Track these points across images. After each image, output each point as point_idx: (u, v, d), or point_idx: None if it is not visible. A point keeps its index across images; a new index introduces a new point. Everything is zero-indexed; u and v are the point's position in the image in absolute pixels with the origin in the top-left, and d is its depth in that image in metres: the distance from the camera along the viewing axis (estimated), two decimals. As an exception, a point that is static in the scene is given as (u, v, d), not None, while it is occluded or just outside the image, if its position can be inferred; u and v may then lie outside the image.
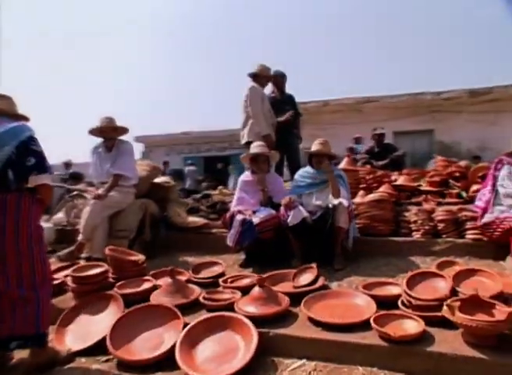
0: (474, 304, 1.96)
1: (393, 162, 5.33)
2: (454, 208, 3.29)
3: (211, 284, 2.97)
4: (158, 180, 4.34)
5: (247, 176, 3.71)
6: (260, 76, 4.69)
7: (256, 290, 2.44)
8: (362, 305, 2.32)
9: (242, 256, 3.48)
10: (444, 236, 3.20)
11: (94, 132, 3.86)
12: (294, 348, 2.12)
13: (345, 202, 3.15)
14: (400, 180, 3.98)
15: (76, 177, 7.59)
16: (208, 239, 3.90)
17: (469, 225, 3.11)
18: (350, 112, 12.64)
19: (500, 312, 1.88)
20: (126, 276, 2.96)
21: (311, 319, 2.27)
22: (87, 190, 4.32)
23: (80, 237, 3.56)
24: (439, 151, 11.87)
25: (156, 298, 2.59)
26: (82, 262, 3.39)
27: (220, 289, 2.77)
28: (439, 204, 3.55)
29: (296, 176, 3.64)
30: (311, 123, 11.39)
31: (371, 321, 2.06)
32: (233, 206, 3.59)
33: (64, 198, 4.97)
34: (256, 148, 3.61)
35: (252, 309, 2.32)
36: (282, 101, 4.97)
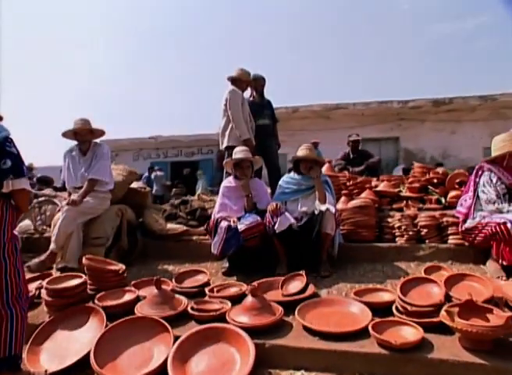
0: (469, 309, 1.98)
1: (369, 168, 5.41)
2: (436, 213, 3.36)
3: (197, 294, 2.85)
4: (133, 185, 4.17)
5: (229, 181, 3.62)
6: (240, 81, 4.63)
7: (249, 299, 2.37)
8: (357, 313, 2.30)
9: (225, 264, 3.38)
10: (427, 241, 3.26)
11: (67, 134, 3.65)
12: (292, 358, 2.06)
13: (332, 208, 3.13)
14: (381, 186, 4.04)
15: (45, 182, 7.17)
16: (188, 247, 3.77)
17: (451, 230, 3.18)
18: (318, 119, 12.84)
19: (497, 316, 1.90)
20: (106, 287, 2.79)
21: (306, 329, 2.22)
22: (57, 195, 4.08)
23: (51, 246, 3.34)
24: (404, 158, 12.29)
25: (141, 310, 2.45)
26: (55, 273, 3.18)
27: (207, 299, 2.66)
28: (420, 209, 3.63)
29: (281, 182, 3.60)
30: (281, 129, 11.37)
31: (370, 329, 2.04)
32: (216, 213, 3.49)
33: (30, 203, 4.67)
34: (239, 153, 3.54)
35: (246, 320, 2.24)
36: (262, 105, 4.92)
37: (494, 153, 2.98)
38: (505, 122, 10.21)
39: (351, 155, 5.90)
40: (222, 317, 2.33)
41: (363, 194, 3.84)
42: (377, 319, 2.15)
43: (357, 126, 12.30)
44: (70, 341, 2.32)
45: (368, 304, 2.36)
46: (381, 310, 2.33)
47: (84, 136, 3.62)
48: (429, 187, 3.93)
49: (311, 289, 2.70)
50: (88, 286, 2.80)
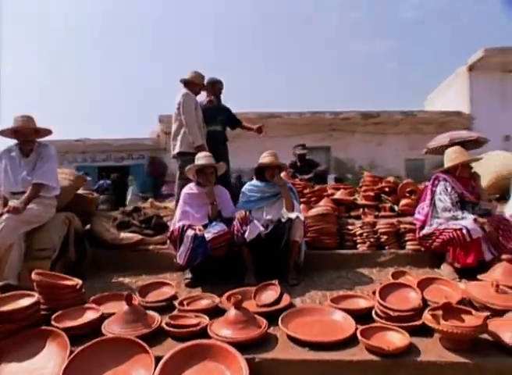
0: (447, 311, 2.09)
1: (317, 176, 5.57)
2: (394, 220, 3.54)
3: (164, 308, 2.66)
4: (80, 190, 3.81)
5: (190, 188, 3.47)
6: (193, 84, 4.48)
7: (232, 312, 2.25)
8: (340, 321, 2.30)
9: (187, 275, 3.21)
10: (387, 247, 3.41)
11: (5, 133, 3.23)
12: (284, 372, 2.01)
13: (301, 216, 3.15)
14: (338, 194, 4.16)
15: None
16: (144, 257, 3.53)
17: (408, 236, 3.37)
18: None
19: (475, 317, 2.03)
20: (62, 305, 2.47)
21: (292, 339, 2.17)
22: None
23: (-13, 261, 2.91)
24: (335, 167, 12.90)
25: (110, 330, 2.22)
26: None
27: (181, 313, 2.49)
28: (376, 217, 3.80)
29: (245, 190, 3.53)
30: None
31: (359, 336, 2.06)
32: (177, 221, 3.31)
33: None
34: (203, 158, 3.41)
35: (231, 334, 2.13)
36: (216, 111, 4.81)
37: (447, 164, 3.23)
38: (423, 136, 11.17)
39: (298, 163, 6.03)
40: (202, 332, 2.20)
41: (321, 202, 3.93)
42: (363, 326, 2.18)
43: (291, 135, 12.67)
44: (25, 373, 2.00)
45: (347, 311, 2.38)
46: (360, 316, 2.36)
47: (27, 135, 3.22)
48: (382, 195, 4.14)
49: (286, 299, 2.67)
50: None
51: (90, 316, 2.38)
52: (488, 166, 4.60)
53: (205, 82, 4.63)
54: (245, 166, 9.34)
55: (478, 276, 2.70)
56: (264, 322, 2.26)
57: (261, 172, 3.50)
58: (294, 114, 12.76)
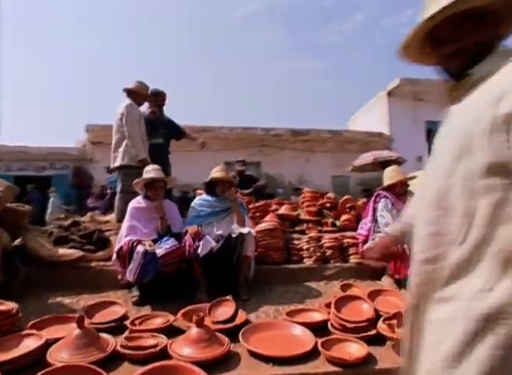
0: (399, 320, 2.25)
1: (257, 191, 5.66)
2: (337, 235, 3.72)
3: (115, 329, 2.50)
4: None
5: (138, 202, 3.32)
6: (137, 94, 4.35)
7: (194, 330, 2.19)
8: (299, 335, 2.36)
9: (135, 293, 3.04)
10: (332, 261, 3.56)
11: None
12: (251, 389, 1.98)
13: (253, 231, 3.18)
14: (283, 209, 4.26)
15: None
16: (86, 274, 3.26)
17: (352, 251, 3.56)
18: (184, 140, 12.85)
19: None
20: (-6, 334, 2.21)
21: (255, 355, 2.17)
22: None
23: None
24: (265, 182, 13.18)
25: (58, 358, 2.02)
26: None
27: (137, 334, 2.35)
28: (320, 232, 3.95)
29: (194, 205, 3.47)
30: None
31: (321, 349, 2.12)
32: (123, 236, 3.15)
33: None
34: (152, 172, 3.30)
35: (195, 353, 2.07)
36: (158, 123, 4.69)
37: (387, 182, 3.49)
38: (348, 154, 11.96)
39: (238, 179, 6.09)
40: (162, 353, 2.11)
41: (267, 218, 3.99)
42: (322, 339, 2.25)
43: (223, 150, 12.77)
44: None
45: (304, 324, 2.44)
46: (316, 329, 2.43)
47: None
48: (324, 210, 4.33)
49: (242, 315, 2.66)
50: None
51: (30, 343, 2.15)
52: (416, 185, 5.03)
53: (148, 93, 4.51)
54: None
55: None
56: (226, 339, 2.23)
57: (212, 186, 3.48)
58: (226, 129, 12.88)
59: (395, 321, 2.21)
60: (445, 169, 0.98)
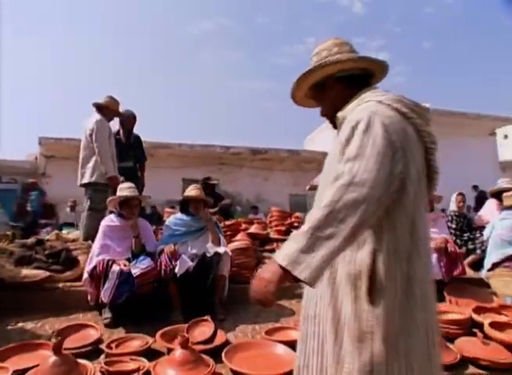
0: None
1: (222, 209, 5.69)
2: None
3: (90, 354, 2.42)
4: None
5: (111, 220, 3.25)
6: (107, 109, 4.27)
7: (179, 352, 2.17)
8: (282, 354, 2.41)
9: (107, 314, 2.94)
10: (302, 279, 3.64)
11: None
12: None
13: (229, 251, 3.21)
14: (253, 228, 4.32)
15: None
16: (52, 296, 3.11)
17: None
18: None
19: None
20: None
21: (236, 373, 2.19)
22: None
23: None
24: (230, 200, 13.19)
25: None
26: None
27: (116, 358, 2.29)
28: (289, 251, 4.03)
29: (169, 223, 3.45)
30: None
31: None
32: (95, 255, 3.06)
33: None
34: (127, 190, 3.26)
35: (181, 376, 2.05)
36: (128, 146, 4.61)
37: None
38: (305, 173, 12.34)
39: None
40: (145, 377, 2.07)
41: (238, 236, 4.04)
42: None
43: (180, 167, 12.72)
44: None
45: (284, 343, 2.50)
46: (295, 347, 2.49)
47: None
48: (292, 230, 4.43)
49: (221, 335, 2.67)
50: None
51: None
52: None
53: (120, 110, 4.45)
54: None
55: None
56: (210, 360, 2.23)
57: (186, 205, 3.48)
58: (185, 146, 12.82)
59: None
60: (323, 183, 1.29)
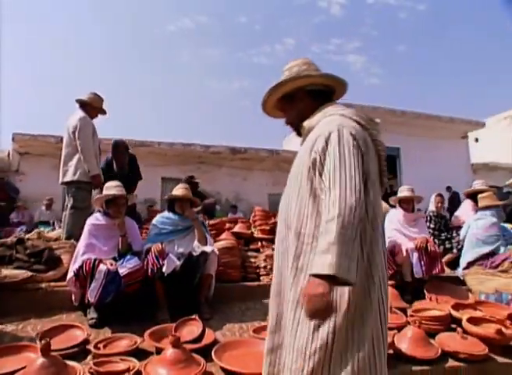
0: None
1: (206, 208, 5.67)
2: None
3: (76, 355, 2.38)
4: None
5: (97, 219, 3.20)
6: (90, 106, 4.19)
7: (170, 351, 2.17)
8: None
9: (92, 315, 2.89)
10: (288, 278, 3.70)
11: None
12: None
13: (216, 250, 3.22)
14: (237, 227, 4.34)
15: None
16: (34, 297, 3.04)
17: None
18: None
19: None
20: None
21: (231, 374, 2.21)
22: None
23: None
24: (214, 199, 13.13)
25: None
26: None
27: (105, 358, 2.26)
28: (273, 250, 4.07)
29: (155, 222, 3.42)
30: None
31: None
32: (80, 254, 3.01)
33: None
34: (114, 188, 3.22)
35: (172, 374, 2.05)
36: (122, 175, 4.41)
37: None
38: (283, 173, 12.30)
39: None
40: (136, 377, 2.07)
41: (223, 236, 4.05)
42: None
43: (160, 165, 12.57)
44: None
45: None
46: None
47: None
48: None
49: (210, 333, 2.68)
50: None
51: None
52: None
53: (104, 107, 4.37)
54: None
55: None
56: (201, 359, 2.24)
57: (173, 204, 3.47)
58: (165, 144, 12.68)
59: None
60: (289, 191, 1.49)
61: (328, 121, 1.39)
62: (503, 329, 2.66)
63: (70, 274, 2.95)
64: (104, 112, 4.39)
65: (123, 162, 4.65)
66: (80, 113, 4.06)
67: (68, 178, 3.94)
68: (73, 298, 3.02)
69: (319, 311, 1.16)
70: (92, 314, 2.92)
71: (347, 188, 1.20)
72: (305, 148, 1.42)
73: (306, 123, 1.50)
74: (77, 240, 3.78)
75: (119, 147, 4.66)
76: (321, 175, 1.31)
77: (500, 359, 2.58)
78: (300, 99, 1.55)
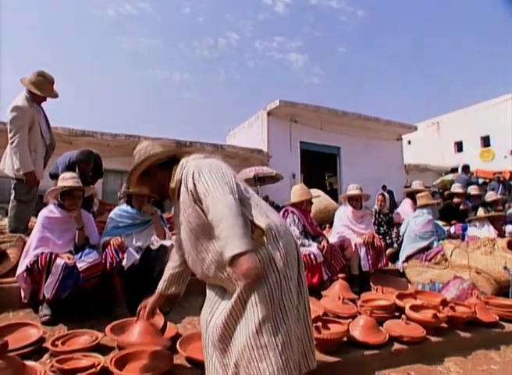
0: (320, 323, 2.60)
1: (158, 201, 5.58)
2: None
3: (31, 354, 2.28)
4: None
5: (51, 211, 3.05)
6: (38, 88, 3.67)
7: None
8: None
9: (45, 311, 2.76)
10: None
11: None
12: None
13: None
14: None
15: None
16: (-22, 294, 2.85)
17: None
18: (60, 143, 11.69)
19: (341, 325, 2.61)
20: None
21: (197, 364, 2.26)
22: None
23: None
24: None
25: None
26: None
27: (67, 355, 2.19)
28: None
29: (113, 215, 3.34)
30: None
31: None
32: (32, 248, 2.85)
33: None
34: (69, 180, 3.08)
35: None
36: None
37: (295, 199, 3.90)
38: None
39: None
40: (102, 373, 2.05)
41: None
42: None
43: (103, 157, 12.04)
44: None
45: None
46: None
47: None
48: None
49: (173, 327, 2.70)
50: None
51: None
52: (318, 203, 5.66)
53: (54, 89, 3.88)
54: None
55: (322, 293, 3.38)
56: (168, 351, 2.26)
57: (131, 197, 3.41)
58: (108, 135, 12.19)
59: (320, 323, 2.54)
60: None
61: (187, 167, 1.73)
62: (438, 313, 2.98)
63: (21, 269, 2.79)
64: (54, 95, 3.91)
65: (87, 172, 4.34)
66: (19, 99, 3.64)
67: (5, 170, 3.65)
68: (22, 294, 2.86)
69: (255, 279, 1.45)
70: (45, 311, 2.79)
71: (223, 224, 1.48)
72: (184, 198, 1.72)
73: (173, 184, 1.79)
74: (23, 233, 3.59)
75: (89, 158, 4.37)
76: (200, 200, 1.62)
77: (434, 339, 2.91)
78: (155, 172, 1.88)
